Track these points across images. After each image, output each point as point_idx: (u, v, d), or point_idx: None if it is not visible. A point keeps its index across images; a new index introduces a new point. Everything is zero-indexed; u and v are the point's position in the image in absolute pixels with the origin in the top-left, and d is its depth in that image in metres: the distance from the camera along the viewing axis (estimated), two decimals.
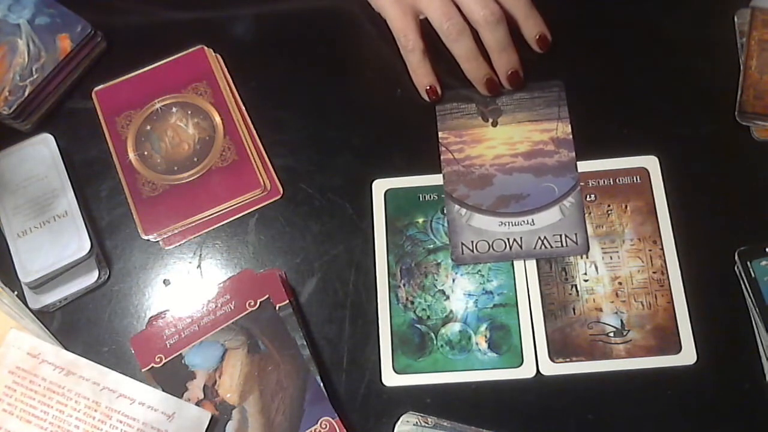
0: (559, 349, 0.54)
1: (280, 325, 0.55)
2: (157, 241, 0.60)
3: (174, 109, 0.63)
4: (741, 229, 0.56)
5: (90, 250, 0.58)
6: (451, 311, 0.56)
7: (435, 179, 0.59)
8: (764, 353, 0.53)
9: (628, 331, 0.55)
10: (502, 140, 0.60)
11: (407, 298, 0.57)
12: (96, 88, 0.64)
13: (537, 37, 0.60)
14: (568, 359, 0.54)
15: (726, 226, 0.56)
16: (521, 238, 0.57)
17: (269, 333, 0.55)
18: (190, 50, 0.64)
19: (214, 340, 0.55)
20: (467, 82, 0.61)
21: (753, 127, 0.58)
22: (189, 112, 0.62)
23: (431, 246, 0.58)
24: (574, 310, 0.55)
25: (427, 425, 0.52)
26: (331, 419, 0.53)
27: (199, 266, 0.59)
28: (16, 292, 0.59)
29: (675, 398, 0.53)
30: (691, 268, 0.56)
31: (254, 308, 0.56)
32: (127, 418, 0.53)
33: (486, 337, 0.55)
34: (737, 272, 0.55)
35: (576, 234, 0.57)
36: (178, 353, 0.55)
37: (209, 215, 0.60)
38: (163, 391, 0.54)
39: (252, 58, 0.64)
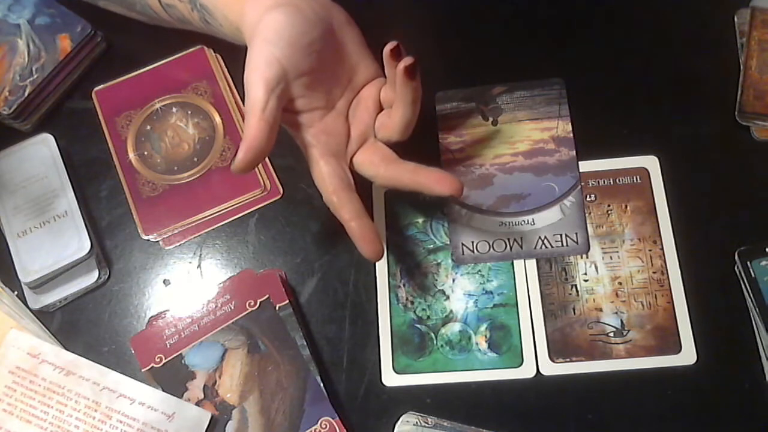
0: (559, 349, 0.54)
1: (280, 325, 0.55)
2: (157, 241, 0.60)
3: (174, 109, 0.63)
4: (741, 229, 0.56)
5: (90, 250, 0.58)
6: (451, 311, 0.56)
7: None
8: (764, 353, 0.53)
9: (628, 331, 0.55)
10: (502, 139, 0.60)
11: (407, 298, 0.57)
12: (96, 88, 0.64)
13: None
14: (568, 359, 0.54)
15: (726, 226, 0.56)
16: (521, 237, 0.57)
17: (269, 333, 0.55)
18: (190, 50, 0.64)
19: (214, 340, 0.55)
20: (466, 82, 0.61)
21: (753, 127, 0.58)
22: (189, 112, 0.62)
23: (431, 246, 0.58)
24: (574, 310, 0.55)
25: (427, 425, 0.52)
26: (331, 419, 0.53)
27: (199, 266, 0.59)
28: (16, 292, 0.59)
29: (675, 398, 0.53)
30: (691, 268, 0.56)
31: (254, 308, 0.56)
32: (127, 418, 0.53)
33: (486, 337, 0.55)
34: (737, 272, 0.55)
35: (576, 233, 0.57)
36: (178, 353, 0.55)
37: (209, 215, 0.60)
38: (163, 391, 0.54)
39: None
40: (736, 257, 0.55)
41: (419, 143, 0.60)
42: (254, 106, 0.47)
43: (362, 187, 0.59)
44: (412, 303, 0.57)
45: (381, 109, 0.54)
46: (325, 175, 0.51)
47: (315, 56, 0.50)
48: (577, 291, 0.56)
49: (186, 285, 0.59)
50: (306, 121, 0.52)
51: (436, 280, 0.57)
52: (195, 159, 0.61)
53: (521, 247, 0.57)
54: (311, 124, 0.52)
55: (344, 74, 0.53)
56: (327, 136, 0.52)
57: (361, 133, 0.53)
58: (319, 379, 0.54)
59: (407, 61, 0.48)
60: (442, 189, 0.50)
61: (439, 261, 0.58)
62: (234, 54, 0.59)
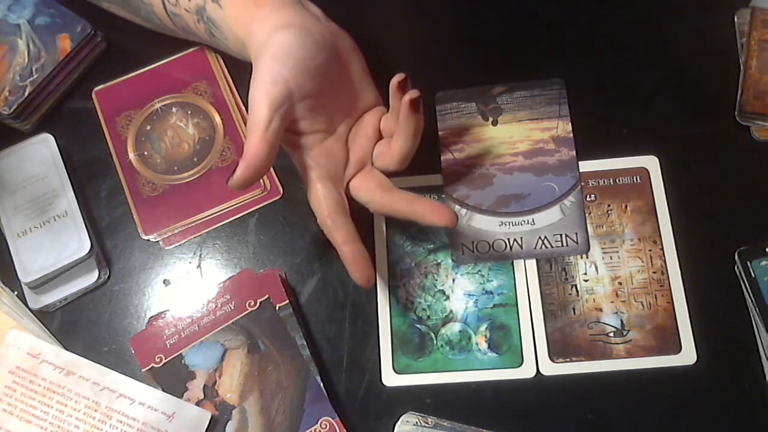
0: (559, 349, 0.54)
1: (280, 325, 0.55)
2: (157, 241, 0.60)
3: (174, 109, 0.63)
4: (741, 229, 0.56)
5: (90, 250, 0.58)
6: (451, 311, 0.56)
7: (435, 179, 0.59)
8: (764, 353, 0.53)
9: (628, 331, 0.55)
10: (502, 139, 0.60)
11: (407, 298, 0.57)
12: (96, 88, 0.64)
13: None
14: (568, 359, 0.54)
15: (726, 226, 0.56)
16: (521, 238, 0.57)
17: (269, 333, 0.55)
18: (190, 50, 0.63)
19: (214, 340, 0.55)
20: (466, 82, 0.62)
21: (753, 127, 0.58)
22: (189, 112, 0.62)
23: (431, 246, 0.58)
24: (574, 310, 0.55)
25: (427, 425, 0.52)
26: (331, 419, 0.53)
27: (199, 266, 0.59)
28: (16, 292, 0.59)
29: (675, 398, 0.53)
30: (691, 268, 0.56)
31: (254, 308, 0.56)
32: (127, 418, 0.53)
33: (486, 337, 0.55)
34: (737, 272, 0.55)
35: (576, 233, 0.57)
36: (178, 353, 0.55)
37: (209, 215, 0.60)
38: (163, 391, 0.54)
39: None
40: (736, 257, 0.55)
41: (420, 144, 0.60)
42: (257, 124, 0.47)
43: None
44: (412, 303, 0.57)
45: (380, 137, 0.55)
46: (321, 197, 0.51)
47: (320, 79, 0.50)
48: (577, 291, 0.56)
49: (186, 285, 0.59)
50: (306, 143, 0.52)
51: (436, 280, 0.57)
52: (195, 159, 0.61)
53: (521, 247, 0.57)
54: (311, 147, 0.52)
55: (347, 100, 0.54)
56: (326, 159, 0.52)
57: (359, 158, 0.54)
58: (319, 379, 0.54)
59: (413, 94, 0.48)
60: (437, 220, 0.50)
61: (439, 261, 0.58)
62: None
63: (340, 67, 0.52)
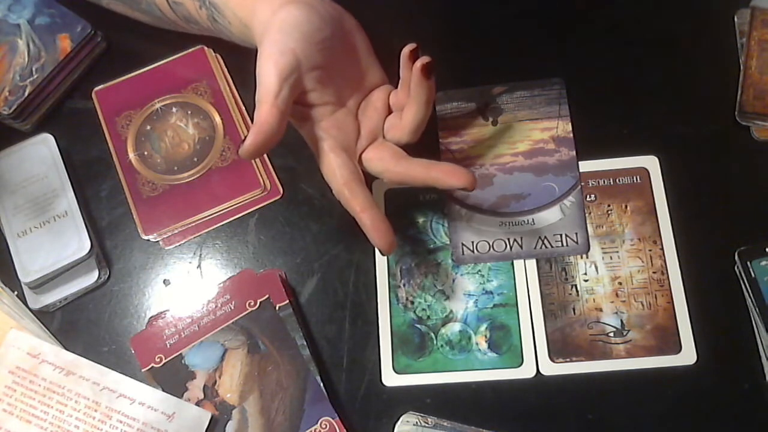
0: (559, 349, 0.54)
1: (280, 325, 0.55)
2: (157, 241, 0.60)
3: (174, 109, 0.63)
4: (741, 229, 0.56)
5: (90, 250, 0.58)
6: (451, 311, 0.56)
7: None
8: (764, 353, 0.53)
9: (628, 331, 0.55)
10: (502, 139, 0.60)
11: (407, 298, 0.57)
12: (96, 88, 0.64)
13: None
14: (568, 359, 0.54)
15: (726, 226, 0.56)
16: (521, 237, 0.57)
17: (269, 333, 0.55)
18: (190, 50, 0.63)
19: (214, 340, 0.55)
20: (466, 82, 0.62)
21: (753, 127, 0.58)
22: (189, 112, 0.62)
23: (431, 246, 0.58)
24: (574, 310, 0.55)
25: (427, 425, 0.52)
26: (331, 419, 0.53)
27: (199, 266, 0.59)
28: (16, 292, 0.59)
29: (675, 398, 0.53)
30: (691, 268, 0.56)
31: (254, 308, 0.56)
32: (127, 418, 0.53)
33: (486, 337, 0.55)
34: (737, 272, 0.55)
35: (576, 233, 0.57)
36: (178, 353, 0.55)
37: (209, 215, 0.60)
38: (163, 391, 0.54)
39: (252, 58, 0.64)
40: (736, 257, 0.55)
41: (419, 143, 0.60)
42: (267, 94, 0.47)
43: None
44: (412, 303, 0.57)
45: (389, 112, 0.55)
46: (336, 167, 0.50)
47: (328, 52, 0.50)
48: (577, 291, 0.56)
49: (186, 285, 0.59)
50: (317, 116, 0.52)
51: (436, 280, 0.57)
52: (195, 159, 0.61)
53: (521, 247, 0.57)
54: (322, 118, 0.52)
55: (355, 75, 0.54)
56: (337, 131, 0.52)
57: (370, 131, 0.53)
58: (319, 379, 0.54)
59: (424, 59, 0.48)
60: (456, 182, 0.50)
61: (439, 261, 0.58)
62: (234, 54, 0.59)
63: (346, 43, 0.52)
